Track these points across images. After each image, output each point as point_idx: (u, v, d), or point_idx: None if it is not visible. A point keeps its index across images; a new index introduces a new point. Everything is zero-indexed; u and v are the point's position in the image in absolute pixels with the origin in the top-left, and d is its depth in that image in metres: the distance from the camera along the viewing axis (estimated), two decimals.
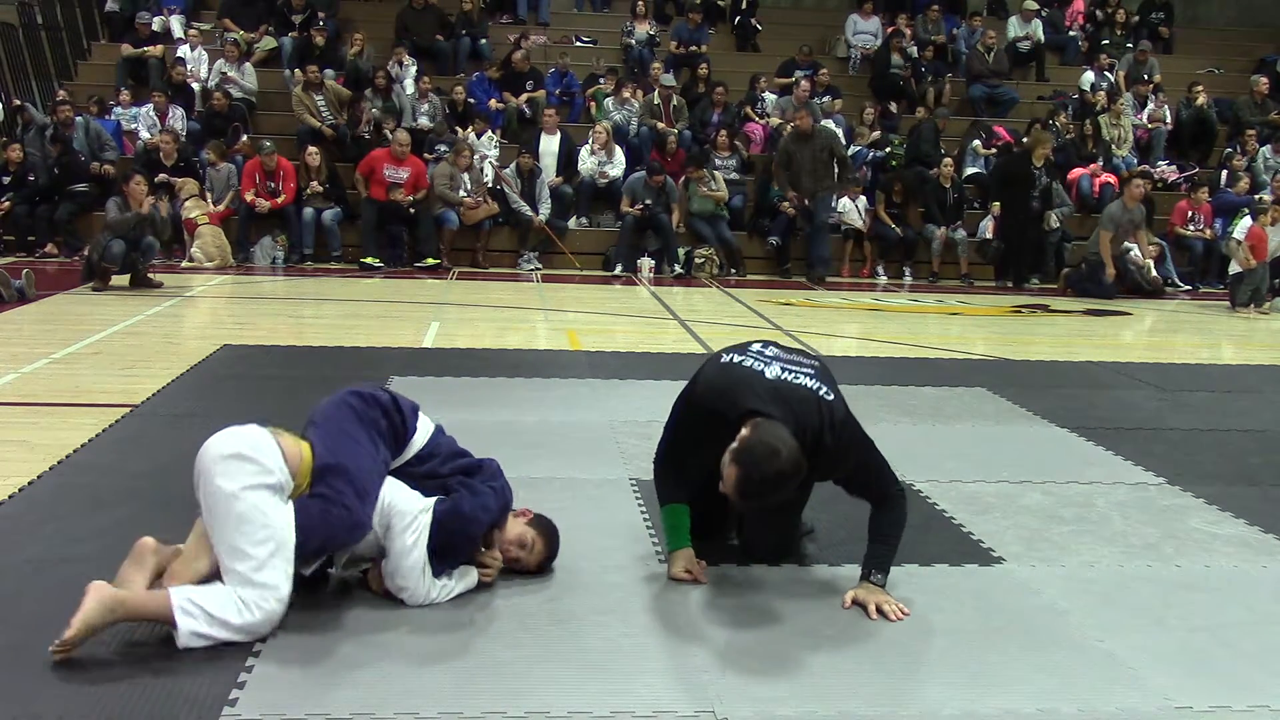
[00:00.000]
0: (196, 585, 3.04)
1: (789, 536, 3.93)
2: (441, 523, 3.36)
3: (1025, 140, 14.11)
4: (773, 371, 3.50)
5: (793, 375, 3.50)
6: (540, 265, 13.25)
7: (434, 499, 3.41)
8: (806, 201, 12.99)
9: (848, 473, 3.59)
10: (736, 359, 3.58)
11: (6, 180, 12.65)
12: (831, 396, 3.51)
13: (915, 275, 13.72)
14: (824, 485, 3.73)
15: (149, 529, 3.66)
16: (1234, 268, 12.11)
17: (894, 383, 7.01)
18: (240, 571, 3.02)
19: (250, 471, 3.09)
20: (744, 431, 3.27)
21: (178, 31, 15.45)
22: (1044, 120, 14.96)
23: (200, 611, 2.97)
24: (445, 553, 3.38)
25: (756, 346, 3.66)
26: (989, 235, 13.57)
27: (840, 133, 14.13)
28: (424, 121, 14.12)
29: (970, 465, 5.18)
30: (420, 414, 3.60)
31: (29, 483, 4.40)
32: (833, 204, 13.41)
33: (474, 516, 3.43)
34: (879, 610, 3.41)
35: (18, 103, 13.65)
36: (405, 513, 3.32)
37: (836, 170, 13.06)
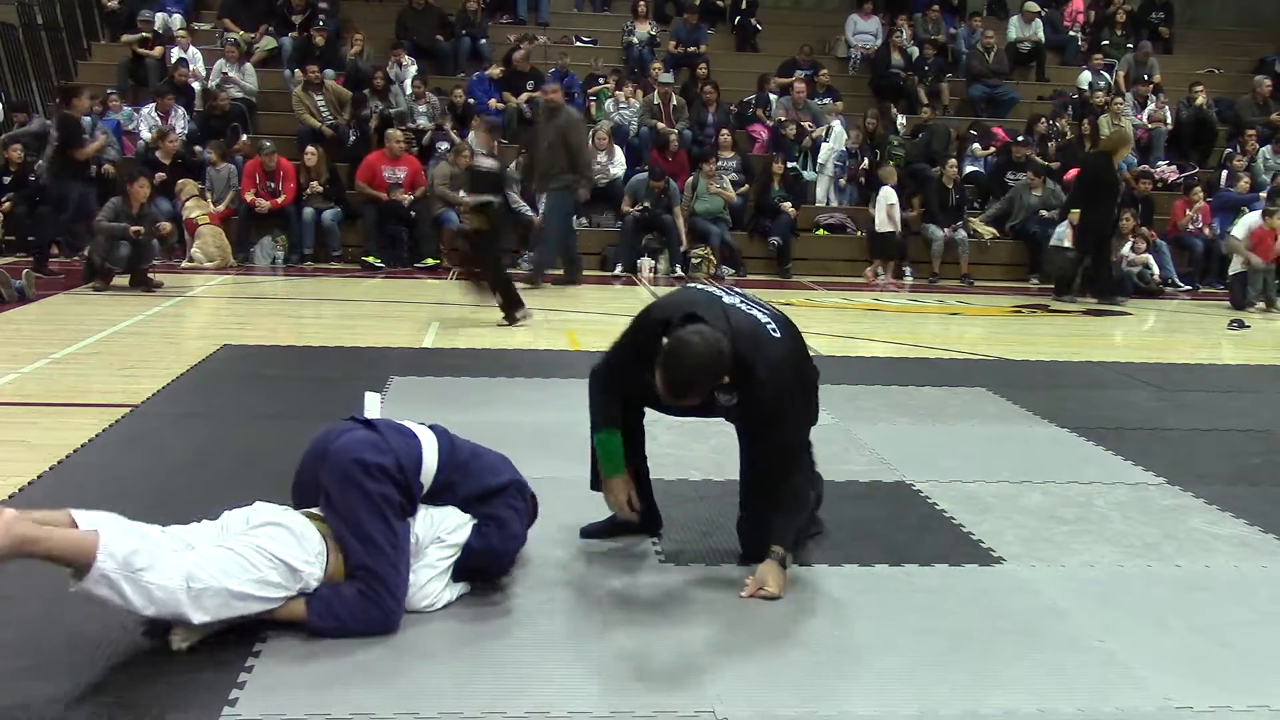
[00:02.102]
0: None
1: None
2: (475, 553, 3.39)
3: (1103, 141, 13.30)
4: (730, 300, 3.62)
5: (748, 307, 3.61)
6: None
7: (471, 523, 3.42)
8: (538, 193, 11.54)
9: (759, 413, 3.56)
10: (699, 288, 3.74)
11: (7, 180, 12.64)
12: (779, 335, 3.57)
13: (915, 275, 13.71)
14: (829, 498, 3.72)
15: None
16: (1234, 267, 12.11)
17: (894, 382, 7.01)
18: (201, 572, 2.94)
19: (297, 556, 3.08)
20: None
21: (177, 30, 15.42)
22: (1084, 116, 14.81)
23: (123, 556, 2.80)
24: (473, 576, 3.45)
25: (724, 289, 3.78)
26: (1066, 243, 12.41)
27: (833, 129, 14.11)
28: (423, 122, 14.11)
29: (970, 465, 5.17)
30: (420, 434, 3.42)
31: (29, 482, 4.40)
32: (571, 208, 11.81)
33: (504, 550, 3.49)
34: (755, 588, 3.45)
35: (23, 117, 13.67)
36: (444, 540, 3.35)
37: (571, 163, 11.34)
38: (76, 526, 2.90)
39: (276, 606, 3.06)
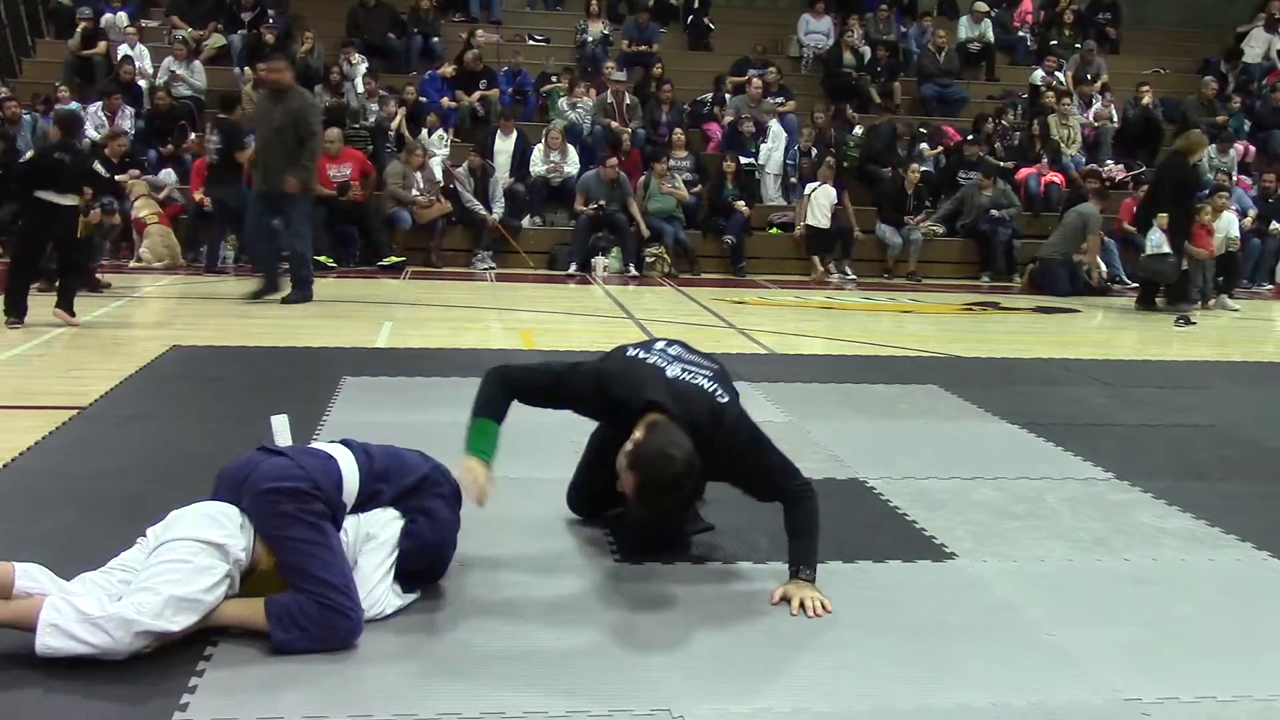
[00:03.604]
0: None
1: (679, 532, 3.94)
2: (411, 556, 3.34)
3: (1179, 142, 12.75)
4: (673, 371, 3.62)
5: (691, 376, 3.63)
6: (494, 264, 13.22)
7: (400, 522, 3.36)
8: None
9: (743, 477, 3.67)
10: (642, 355, 3.71)
11: None
12: (725, 399, 3.61)
13: (856, 273, 13.75)
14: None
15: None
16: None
17: (847, 380, 7.05)
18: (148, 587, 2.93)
19: (215, 533, 3.05)
20: (638, 434, 3.36)
21: (124, 29, 15.22)
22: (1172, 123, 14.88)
23: (68, 607, 2.86)
24: (417, 577, 3.40)
25: (660, 344, 3.81)
26: (1165, 249, 11.69)
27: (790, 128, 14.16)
28: (375, 120, 14.05)
29: (922, 461, 5.21)
30: (335, 453, 3.34)
31: None
32: (310, 208, 10.17)
33: (440, 541, 3.45)
34: (801, 605, 3.43)
35: None
36: (375, 536, 3.29)
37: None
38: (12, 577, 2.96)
39: (222, 590, 3.01)
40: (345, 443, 3.45)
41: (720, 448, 3.52)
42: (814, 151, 14.67)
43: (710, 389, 3.60)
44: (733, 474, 3.67)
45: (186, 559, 2.97)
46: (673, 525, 3.90)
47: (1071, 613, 3.53)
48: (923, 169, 14.68)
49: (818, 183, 13.70)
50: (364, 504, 3.34)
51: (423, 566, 3.42)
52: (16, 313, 8.02)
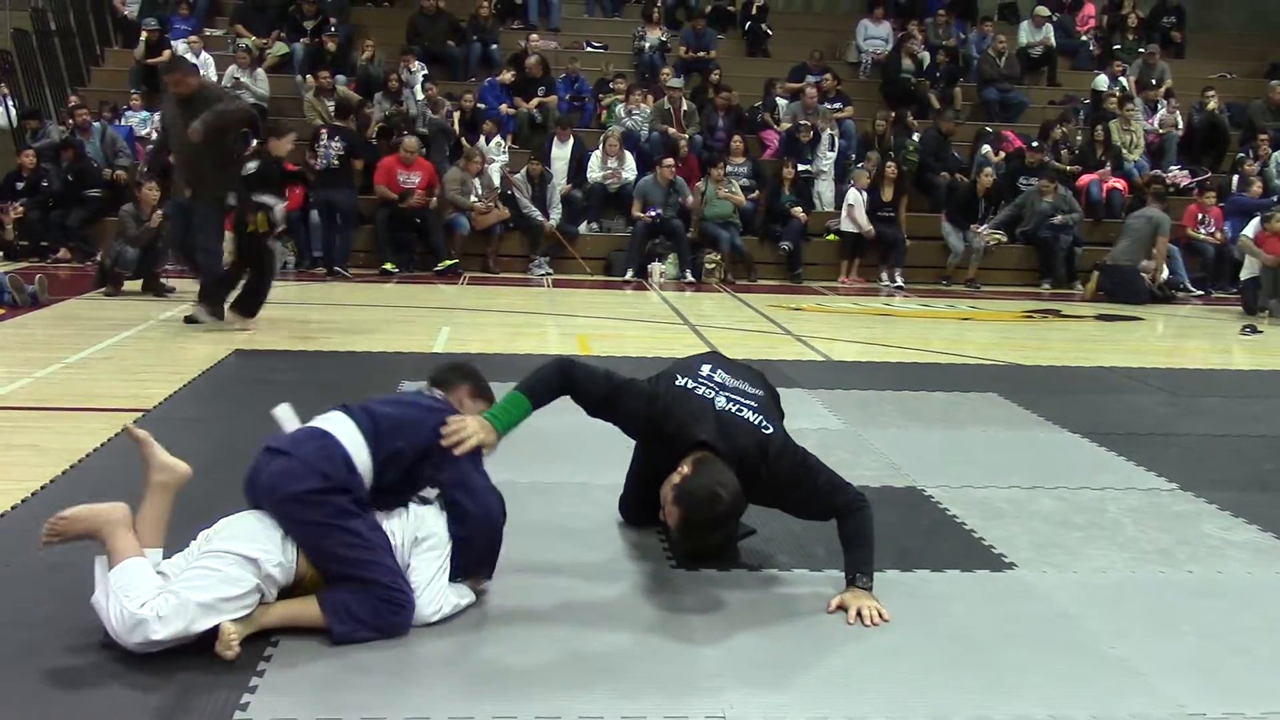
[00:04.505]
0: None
1: (728, 536, 3.89)
2: (467, 544, 3.33)
3: None
4: (720, 402, 3.64)
5: (737, 408, 3.64)
6: (551, 270, 13.27)
7: (445, 515, 3.36)
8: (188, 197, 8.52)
9: (794, 504, 3.70)
10: (690, 385, 3.69)
11: (20, 186, 12.71)
12: (770, 430, 3.63)
13: (906, 279, 13.64)
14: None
15: None
16: (1246, 272, 12.07)
17: (904, 388, 7.00)
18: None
19: (251, 546, 3.08)
20: (685, 469, 3.42)
21: (181, 50, 15.41)
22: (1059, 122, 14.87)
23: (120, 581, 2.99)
24: (481, 562, 3.40)
25: (706, 369, 3.79)
26: None
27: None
28: (434, 126, 14.16)
29: (981, 470, 5.16)
30: (334, 428, 3.27)
31: (40, 487, 4.42)
32: (221, 220, 8.72)
33: (489, 511, 3.39)
34: (859, 614, 3.41)
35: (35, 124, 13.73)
36: (424, 539, 3.30)
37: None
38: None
39: (249, 601, 3.03)
40: (345, 407, 3.37)
41: (766, 478, 3.56)
42: (851, 156, 14.61)
43: (756, 421, 3.62)
44: (783, 502, 3.71)
45: (217, 569, 3.02)
46: (719, 550, 3.88)
47: (1133, 625, 3.48)
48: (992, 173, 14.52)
49: (851, 186, 13.67)
50: (386, 468, 3.25)
51: (483, 545, 3.38)
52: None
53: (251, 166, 8.65)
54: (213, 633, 2.94)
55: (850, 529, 3.59)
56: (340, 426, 3.28)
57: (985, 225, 13.84)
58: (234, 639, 2.92)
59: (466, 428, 3.39)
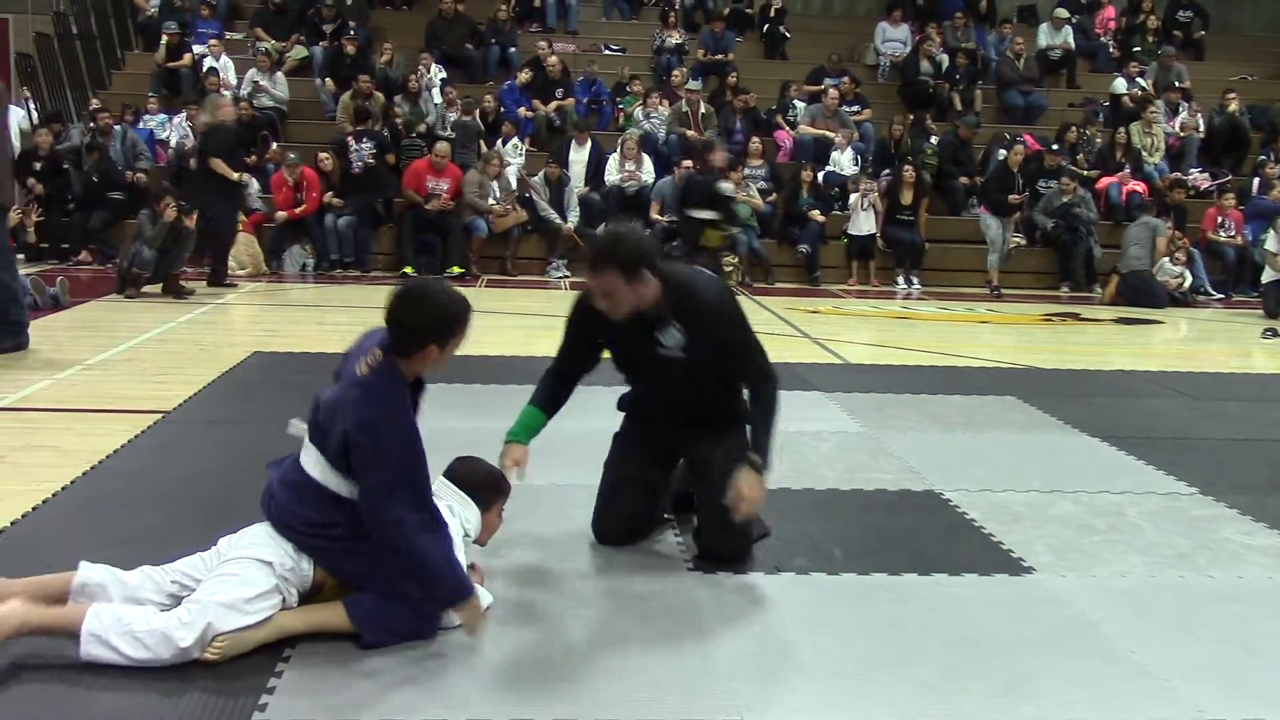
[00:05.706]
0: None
1: (745, 538, 3.92)
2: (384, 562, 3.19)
3: None
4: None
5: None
6: (569, 273, 13.28)
7: (455, 520, 3.39)
8: None
9: (722, 349, 3.76)
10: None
11: (37, 166, 12.80)
12: (715, 283, 3.86)
13: (923, 283, 13.60)
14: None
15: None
16: (1267, 276, 11.99)
17: (923, 391, 6.98)
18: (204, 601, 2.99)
19: (268, 550, 3.11)
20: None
21: (202, 53, 15.50)
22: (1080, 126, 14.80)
23: (111, 617, 2.92)
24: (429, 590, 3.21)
25: None
26: None
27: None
28: (453, 127, 14.19)
29: (1000, 474, 5.14)
30: (302, 449, 3.25)
31: (62, 488, 4.44)
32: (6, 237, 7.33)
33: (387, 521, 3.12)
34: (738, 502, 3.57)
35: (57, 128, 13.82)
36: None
37: None
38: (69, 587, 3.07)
39: (271, 602, 3.05)
40: (311, 424, 3.31)
41: (707, 303, 3.71)
42: (859, 160, 14.58)
43: (697, 269, 3.96)
44: (715, 342, 3.73)
45: (235, 573, 3.05)
46: (739, 538, 3.89)
47: (1153, 630, 3.46)
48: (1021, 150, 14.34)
49: (859, 191, 13.67)
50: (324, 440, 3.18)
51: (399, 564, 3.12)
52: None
53: None
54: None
55: (756, 408, 3.76)
56: (312, 459, 3.21)
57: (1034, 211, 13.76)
58: (221, 644, 2.95)
59: (505, 463, 3.80)
